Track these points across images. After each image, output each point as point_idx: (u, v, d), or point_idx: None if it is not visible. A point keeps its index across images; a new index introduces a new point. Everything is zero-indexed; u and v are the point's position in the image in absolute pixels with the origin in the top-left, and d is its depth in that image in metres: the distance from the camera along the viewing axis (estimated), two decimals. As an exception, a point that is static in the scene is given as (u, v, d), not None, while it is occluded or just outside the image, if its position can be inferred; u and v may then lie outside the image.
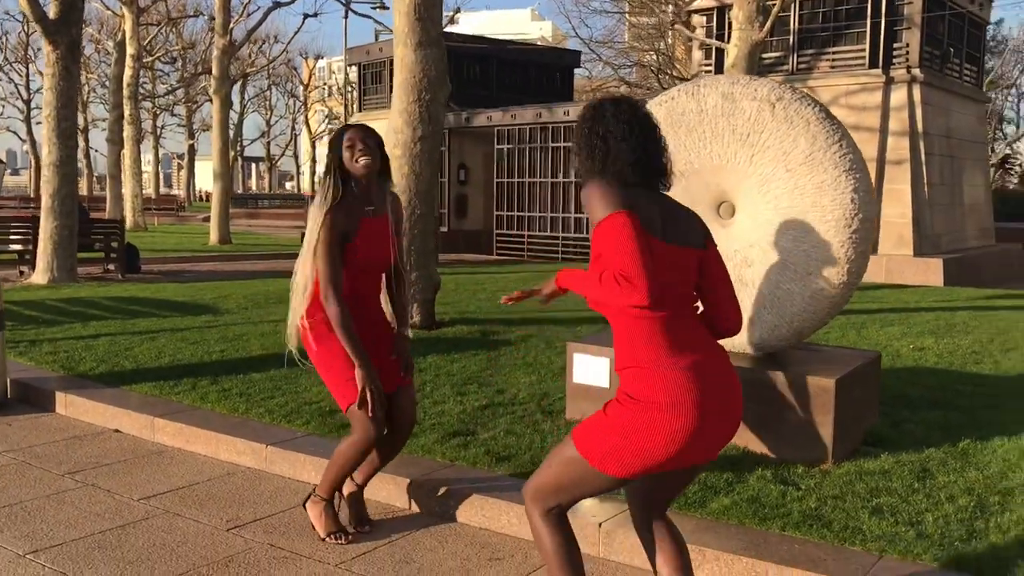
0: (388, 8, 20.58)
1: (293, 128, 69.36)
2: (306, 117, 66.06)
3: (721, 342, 2.75)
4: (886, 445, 4.65)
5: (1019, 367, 6.82)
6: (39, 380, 6.20)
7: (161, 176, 62.17)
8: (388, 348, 3.84)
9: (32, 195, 47.25)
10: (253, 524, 4.02)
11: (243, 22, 25.73)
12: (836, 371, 4.51)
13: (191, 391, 5.83)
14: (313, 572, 3.54)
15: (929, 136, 16.08)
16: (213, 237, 21.49)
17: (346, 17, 35.64)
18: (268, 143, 67.82)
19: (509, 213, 21.26)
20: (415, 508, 4.18)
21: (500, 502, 3.97)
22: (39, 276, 12.01)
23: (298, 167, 75.60)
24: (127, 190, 26.64)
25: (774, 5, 12.63)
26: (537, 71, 24.69)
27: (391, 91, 26.42)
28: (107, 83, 35.08)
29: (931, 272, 15.12)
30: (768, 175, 4.68)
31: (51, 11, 12.21)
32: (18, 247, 13.17)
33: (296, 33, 28.30)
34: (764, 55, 16.02)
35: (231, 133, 24.13)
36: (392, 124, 7.99)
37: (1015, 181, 36.01)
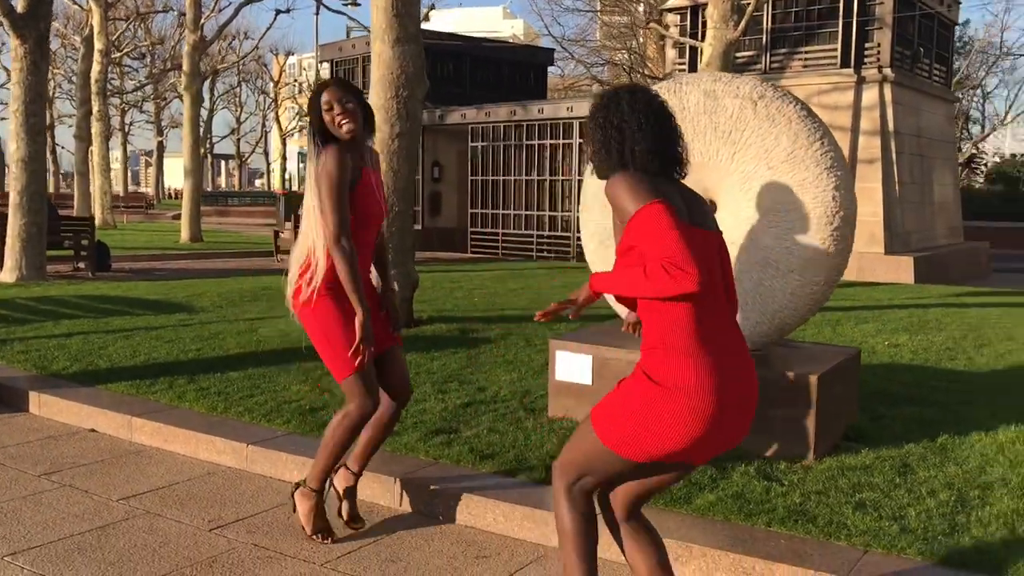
0: (360, 4, 20.51)
1: (263, 125, 68.82)
2: (276, 114, 65.53)
3: None
4: (866, 441, 4.70)
5: (992, 363, 6.91)
6: (11, 379, 6.10)
7: (129, 173, 61.36)
8: (377, 306, 3.78)
9: (-2, 192, 46.52)
10: (236, 524, 3.98)
11: (214, 18, 25.49)
12: (817, 368, 4.54)
13: (168, 390, 5.76)
14: (298, 572, 3.51)
15: (900, 135, 16.27)
16: (184, 235, 21.28)
17: (317, 13, 35.45)
18: (238, 140, 67.23)
19: (484, 211, 21.23)
20: (400, 506, 4.16)
21: (485, 500, 3.96)
22: (7, 274, 11.81)
23: (268, 164, 75.04)
24: (96, 187, 26.29)
25: (748, 4, 12.70)
26: (511, 69, 24.67)
27: (364, 87, 26.16)
28: (74, 79, 34.66)
29: (902, 270, 15.29)
30: (750, 173, 4.71)
31: (19, 5, 12.01)
32: (-15, 245, 12.93)
33: (268, 29, 28.12)
34: (737, 54, 16.11)
35: (200, 130, 23.84)
36: (369, 121, 7.92)
37: (981, 180, 36.52)
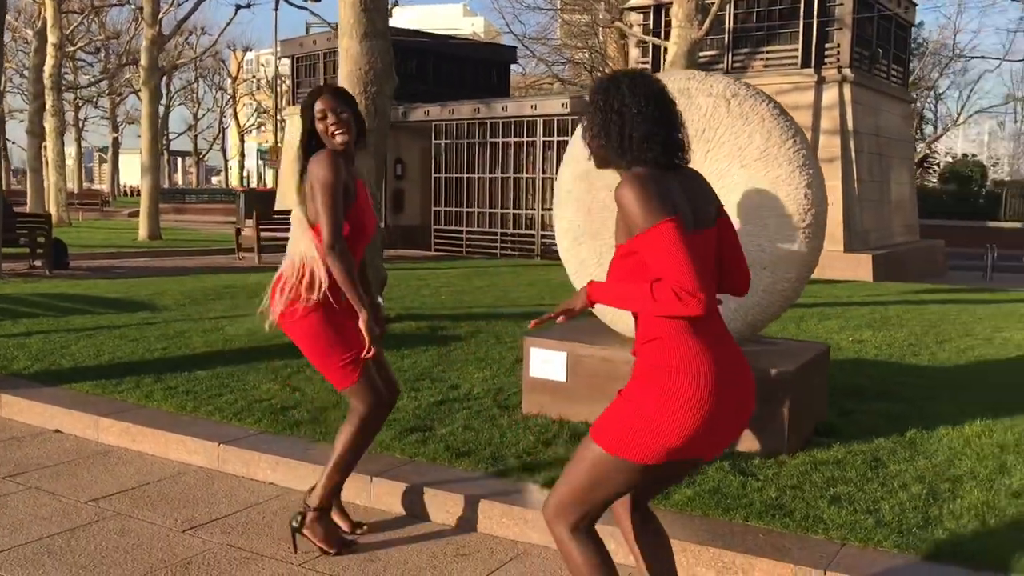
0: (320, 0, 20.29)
1: (221, 122, 67.97)
2: (235, 111, 64.80)
3: None
4: (837, 435, 4.75)
5: (954, 359, 7.04)
6: (-29, 380, 5.96)
7: (83, 170, 60.24)
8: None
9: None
10: (210, 525, 3.92)
11: (172, 12, 25.09)
12: (790, 363, 4.58)
13: (135, 389, 5.66)
14: (276, 572, 3.47)
15: (859, 134, 16.51)
16: (143, 232, 20.93)
17: (276, 9, 35.05)
18: (195, 137, 66.33)
19: (447, 208, 21.18)
20: (376, 505, 4.12)
21: (463, 498, 3.94)
22: (-39, 272, 11.54)
23: (226, 161, 74.14)
24: (50, 184, 25.77)
25: (713, 3, 12.80)
26: (474, 67, 24.61)
27: (325, 84, 26.00)
28: (26, 73, 33.85)
29: (861, 267, 15.52)
30: (723, 171, 4.74)
31: (-29, -3, 11.73)
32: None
33: (228, 24, 27.75)
34: (700, 54, 16.22)
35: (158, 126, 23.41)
36: (337, 117, 7.85)
37: (934, 180, 37.18)
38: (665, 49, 14.01)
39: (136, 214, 25.38)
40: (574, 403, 4.92)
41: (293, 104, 24.67)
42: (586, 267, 5.12)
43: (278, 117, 43.25)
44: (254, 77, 67.40)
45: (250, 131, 71.32)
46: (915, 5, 20.08)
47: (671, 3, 13.41)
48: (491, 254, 19.87)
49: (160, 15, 21.32)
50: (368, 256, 7.80)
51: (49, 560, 3.53)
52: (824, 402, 5.14)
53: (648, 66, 18.29)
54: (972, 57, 38.48)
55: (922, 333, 8.23)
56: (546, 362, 5.01)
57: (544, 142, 19.49)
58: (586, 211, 5.08)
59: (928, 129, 42.44)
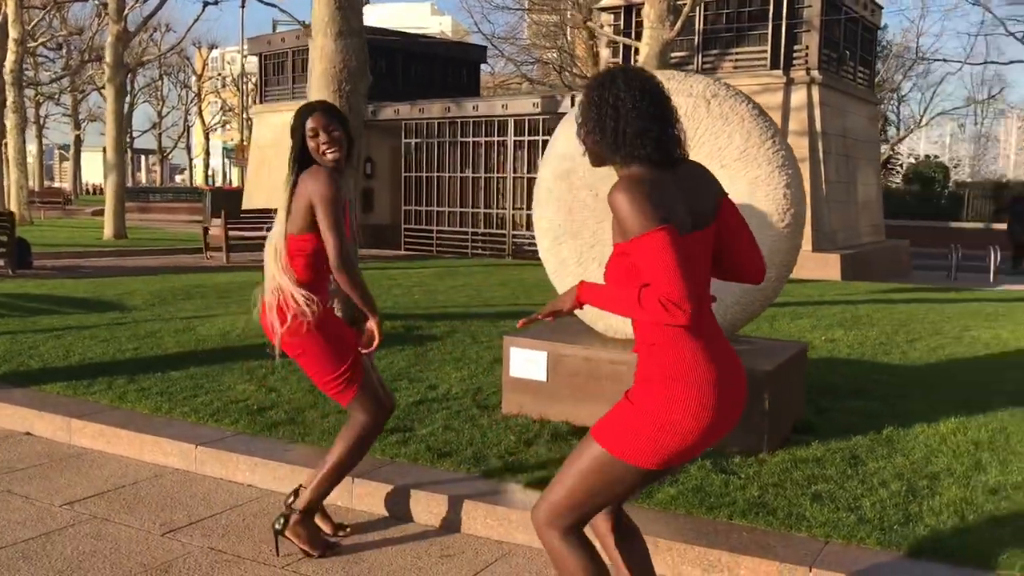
0: (290, -4, 20.10)
1: (186, 120, 67.20)
2: (199, 109, 64.13)
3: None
4: (815, 433, 4.79)
5: (925, 357, 7.13)
6: (-63, 381, 5.83)
7: (43, 168, 59.22)
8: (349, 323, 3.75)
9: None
10: (189, 527, 3.86)
11: (138, 8, 24.74)
12: (769, 362, 4.61)
13: (107, 390, 5.56)
14: (259, 575, 3.42)
15: (827, 136, 16.68)
16: (108, 231, 20.62)
17: (243, 6, 34.73)
18: (159, 135, 65.48)
19: (418, 208, 21.10)
20: (359, 507, 4.09)
21: (446, 498, 3.92)
22: (-78, 272, 11.29)
23: (191, 160, 73.30)
24: (11, 181, 25.30)
25: (684, 4, 12.86)
26: (444, 66, 24.54)
27: (294, 82, 25.58)
28: (-14, 69, 33.21)
29: (829, 267, 15.68)
30: (703, 170, 4.75)
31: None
32: None
33: (196, 21, 27.36)
34: (671, 54, 16.30)
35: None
36: (310, 115, 7.78)
37: (898, 181, 37.68)
38: (636, 50, 14.06)
39: (100, 212, 25.03)
40: (555, 403, 4.91)
41: (261, 102, 24.44)
42: (566, 266, 5.12)
43: (244, 115, 42.83)
44: (219, 75, 66.64)
45: (215, 129, 70.57)
46: (881, 8, 20.34)
47: (643, 4, 13.46)
48: (462, 253, 19.83)
49: (125, 11, 21.03)
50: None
51: (25, 565, 3.46)
52: (802, 400, 5.18)
53: (618, 66, 18.33)
54: (935, 60, 39.13)
55: (892, 332, 8.33)
56: (527, 362, 5.00)
57: (515, 141, 19.49)
58: (567, 210, 5.07)
59: (892, 131, 43.01)
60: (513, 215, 19.55)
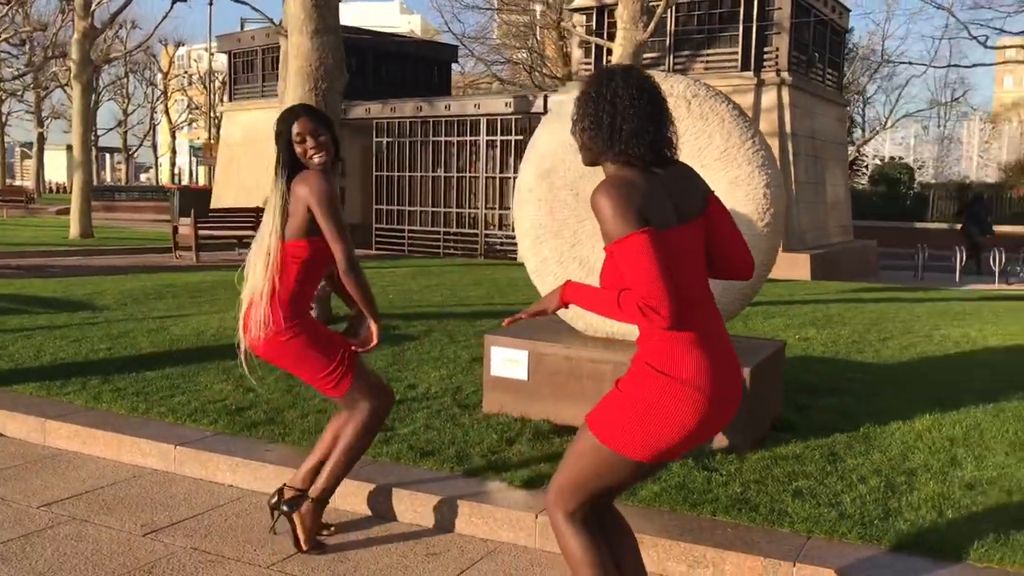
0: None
1: (152, 118, 66.42)
2: (166, 106, 63.39)
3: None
4: (793, 431, 4.84)
5: (897, 355, 7.23)
6: (-95, 382, 5.71)
7: (6, 166, 58.23)
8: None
9: None
10: (171, 528, 3.82)
11: (105, 4, 24.39)
12: (748, 360, 4.64)
13: (82, 391, 5.49)
14: (245, 574, 3.40)
15: (796, 136, 16.86)
16: (74, 230, 20.31)
17: (211, 3, 34.40)
18: (125, 133, 64.65)
19: (389, 207, 21.03)
20: (343, 506, 4.07)
21: (431, 497, 3.92)
22: None
23: (157, 158, 72.46)
24: (-26, 180, 24.88)
25: (657, 6, 12.94)
26: (415, 65, 24.49)
27: (264, 80, 25.34)
28: (-52, 65, 32.65)
29: (799, 267, 15.84)
30: (684, 170, 4.78)
31: None
32: None
33: (164, 18, 27.05)
34: (643, 55, 16.39)
35: (89, 121, 22.67)
36: (286, 114, 7.74)
37: (864, 182, 38.17)
38: (609, 50, 14.12)
39: (65, 211, 24.67)
40: (536, 401, 4.92)
41: (230, 100, 24.24)
42: (547, 265, 5.13)
43: (212, 114, 42.44)
44: (186, 72, 65.98)
45: (181, 128, 69.81)
46: (849, 11, 20.59)
47: (616, 5, 13.52)
48: (434, 253, 19.79)
49: (92, 7, 20.74)
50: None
51: (4, 567, 3.41)
52: (780, 398, 5.23)
53: (591, 67, 18.41)
54: (900, 63, 39.62)
55: (864, 331, 8.43)
56: (508, 361, 5.00)
57: (487, 141, 19.49)
58: (548, 210, 5.09)
59: (857, 132, 43.55)
60: (485, 215, 19.55)
